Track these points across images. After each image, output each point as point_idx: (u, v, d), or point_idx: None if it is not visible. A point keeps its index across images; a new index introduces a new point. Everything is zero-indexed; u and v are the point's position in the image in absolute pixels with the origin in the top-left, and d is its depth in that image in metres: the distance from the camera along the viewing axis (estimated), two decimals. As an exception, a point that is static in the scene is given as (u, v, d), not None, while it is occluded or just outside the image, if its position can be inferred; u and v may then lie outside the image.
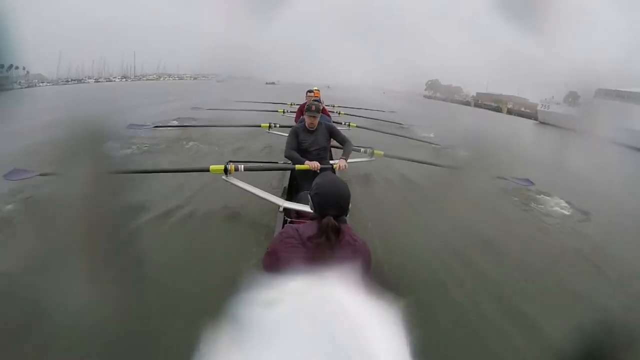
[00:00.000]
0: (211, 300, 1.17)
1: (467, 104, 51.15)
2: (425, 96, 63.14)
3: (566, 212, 4.92)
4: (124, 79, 62.90)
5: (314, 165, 3.18)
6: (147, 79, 65.59)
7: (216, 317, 0.73)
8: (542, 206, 5.11)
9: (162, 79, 67.46)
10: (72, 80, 46.54)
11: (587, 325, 2.25)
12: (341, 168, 3.26)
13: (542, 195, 5.49)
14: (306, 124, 3.38)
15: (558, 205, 5.16)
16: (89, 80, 51.44)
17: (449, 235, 3.39)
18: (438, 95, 63.10)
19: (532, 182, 5.64)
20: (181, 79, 68.26)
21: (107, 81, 55.99)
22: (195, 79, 67.60)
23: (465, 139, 8.25)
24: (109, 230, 2.39)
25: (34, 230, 2.94)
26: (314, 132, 3.41)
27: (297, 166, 3.28)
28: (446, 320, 2.34)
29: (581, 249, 3.73)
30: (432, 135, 9.35)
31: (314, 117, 3.31)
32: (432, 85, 66.31)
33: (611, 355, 1.73)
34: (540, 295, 2.77)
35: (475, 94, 58.72)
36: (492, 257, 3.26)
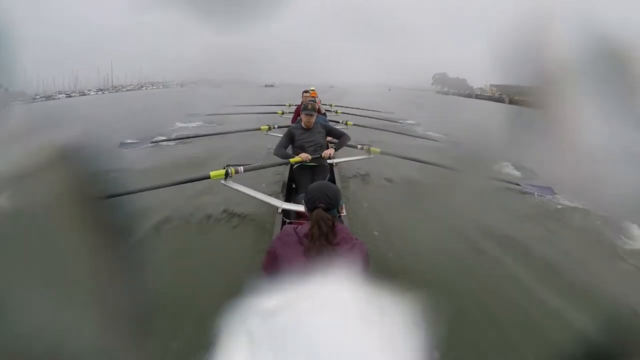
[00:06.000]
0: (213, 306, 1.25)
1: (499, 100, 42.61)
2: (438, 92, 57.99)
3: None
4: (100, 92, 55.90)
5: (305, 156, 3.26)
6: (127, 90, 58.60)
7: (218, 324, 0.72)
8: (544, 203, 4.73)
9: (144, 88, 60.48)
10: (39, 96, 39.17)
11: (597, 325, 2.16)
12: (326, 154, 3.36)
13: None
14: (303, 123, 3.44)
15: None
16: (60, 96, 44.03)
17: (448, 232, 3.41)
18: (446, 89, 58.91)
19: (554, 191, 4.95)
20: (167, 87, 61.32)
21: (81, 95, 48.81)
22: (182, 86, 60.99)
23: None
24: (106, 241, 1.59)
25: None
26: (310, 130, 3.46)
27: (292, 160, 3.36)
28: (447, 319, 1.67)
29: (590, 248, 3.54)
30: (430, 132, 9.17)
31: (310, 115, 3.38)
32: (440, 79, 62.46)
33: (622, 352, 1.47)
34: (544, 293, 2.63)
35: (489, 86, 54.39)
36: (493, 254, 3.19)
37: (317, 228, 1.28)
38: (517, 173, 5.71)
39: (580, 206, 4.64)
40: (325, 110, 6.77)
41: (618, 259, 3.35)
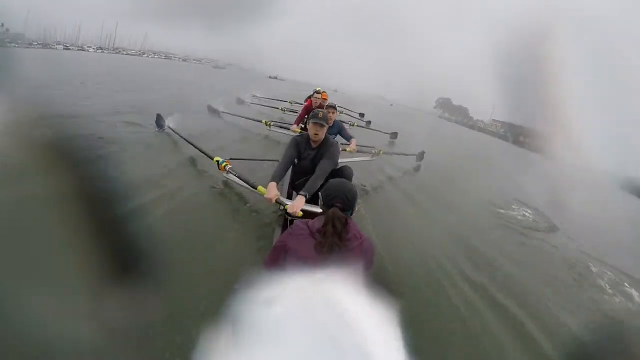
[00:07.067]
0: (211, 297, 1.36)
1: (503, 138, 39.45)
2: (440, 116, 58.24)
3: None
4: (100, 50, 53.71)
5: (268, 199, 2.47)
6: (128, 54, 56.53)
7: (217, 314, 0.72)
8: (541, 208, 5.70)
9: (145, 55, 58.41)
10: (36, 43, 37.12)
11: (585, 328, 2.42)
12: (292, 212, 2.31)
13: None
14: (310, 137, 2.74)
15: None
16: (57, 46, 41.96)
17: (445, 235, 3.58)
18: (447, 115, 59.29)
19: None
20: (168, 59, 59.40)
21: (79, 50, 46.67)
22: (185, 60, 59.24)
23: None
24: (100, 216, 2.13)
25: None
26: (315, 149, 2.77)
27: (259, 187, 2.82)
28: (445, 319, 2.32)
29: (578, 250, 4.22)
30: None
31: (320, 125, 2.64)
32: (443, 104, 62.75)
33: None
34: (540, 297, 2.87)
35: (492, 120, 54.97)
36: (491, 255, 3.35)
37: (331, 226, 1.28)
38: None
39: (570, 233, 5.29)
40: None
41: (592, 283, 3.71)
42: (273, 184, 2.53)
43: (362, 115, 12.56)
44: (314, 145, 2.79)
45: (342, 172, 2.95)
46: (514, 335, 2.34)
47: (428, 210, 4.64)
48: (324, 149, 2.77)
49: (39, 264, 2.07)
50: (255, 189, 2.90)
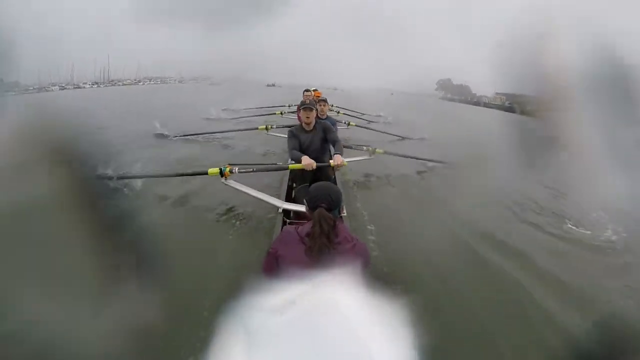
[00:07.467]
0: (213, 305, 1.36)
1: (510, 110, 40.68)
2: (442, 98, 57.16)
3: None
4: (96, 85, 54.30)
5: (308, 164, 2.84)
6: (124, 84, 57.03)
7: (218, 322, 0.72)
8: (544, 204, 4.85)
9: (141, 83, 58.87)
10: (32, 88, 37.46)
11: (593, 324, 2.19)
12: (338, 164, 2.89)
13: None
14: (303, 122, 3.15)
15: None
16: (53, 88, 42.48)
17: (444, 233, 3.36)
18: (450, 96, 58.27)
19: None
20: (164, 82, 59.77)
21: (75, 88, 47.18)
22: (181, 82, 59.48)
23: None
24: (103, 235, 2.07)
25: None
26: (311, 132, 3.15)
27: (291, 166, 3.16)
28: (445, 319, 2.20)
29: (586, 246, 3.57)
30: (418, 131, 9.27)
31: (309, 109, 3.03)
32: (444, 85, 61.83)
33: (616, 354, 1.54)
34: (542, 292, 2.64)
35: (495, 94, 53.62)
36: (491, 253, 3.18)
37: (318, 227, 1.27)
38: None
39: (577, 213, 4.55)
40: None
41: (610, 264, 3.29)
42: (305, 156, 2.90)
43: (379, 116, 11.99)
44: (308, 128, 3.13)
45: (324, 172, 3.21)
46: (523, 340, 2.21)
47: (429, 200, 4.54)
48: (319, 128, 3.15)
49: (41, 266, 2.08)
50: (287, 168, 3.28)
